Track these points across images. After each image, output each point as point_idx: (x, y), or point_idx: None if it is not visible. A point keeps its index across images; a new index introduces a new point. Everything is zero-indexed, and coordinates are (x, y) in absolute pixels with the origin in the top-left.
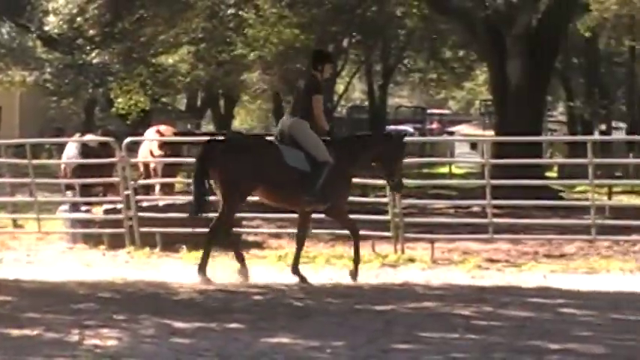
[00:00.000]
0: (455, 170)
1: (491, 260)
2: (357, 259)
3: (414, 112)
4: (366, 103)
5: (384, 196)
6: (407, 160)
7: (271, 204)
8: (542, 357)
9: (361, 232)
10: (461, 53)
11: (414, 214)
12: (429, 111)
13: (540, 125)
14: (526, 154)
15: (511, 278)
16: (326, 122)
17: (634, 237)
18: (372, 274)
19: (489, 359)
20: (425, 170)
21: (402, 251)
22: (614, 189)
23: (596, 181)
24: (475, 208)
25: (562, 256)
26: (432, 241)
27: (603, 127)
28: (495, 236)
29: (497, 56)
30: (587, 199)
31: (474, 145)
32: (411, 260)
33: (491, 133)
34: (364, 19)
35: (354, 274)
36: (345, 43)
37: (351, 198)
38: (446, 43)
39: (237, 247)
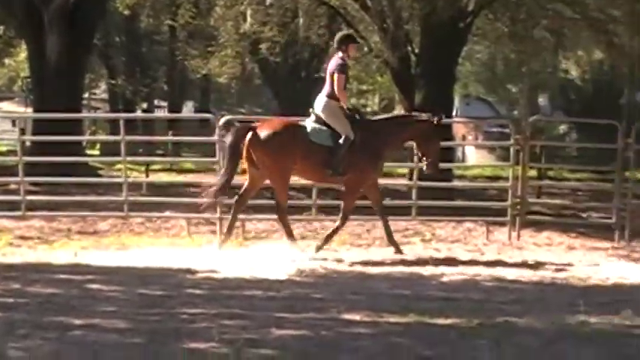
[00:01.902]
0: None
1: (24, 237)
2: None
3: None
4: None
5: None
6: None
7: (304, 178)
8: (65, 333)
9: None
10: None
11: None
12: None
13: (80, 103)
14: (65, 132)
15: (42, 255)
16: (346, 99)
17: (166, 213)
18: None
19: (13, 337)
20: None
21: None
22: (155, 166)
23: (129, 158)
24: (13, 186)
25: (95, 232)
26: None
27: (145, 105)
28: (28, 213)
29: (35, 32)
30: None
31: (15, 123)
32: None
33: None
34: None
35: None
36: None
37: None
38: None
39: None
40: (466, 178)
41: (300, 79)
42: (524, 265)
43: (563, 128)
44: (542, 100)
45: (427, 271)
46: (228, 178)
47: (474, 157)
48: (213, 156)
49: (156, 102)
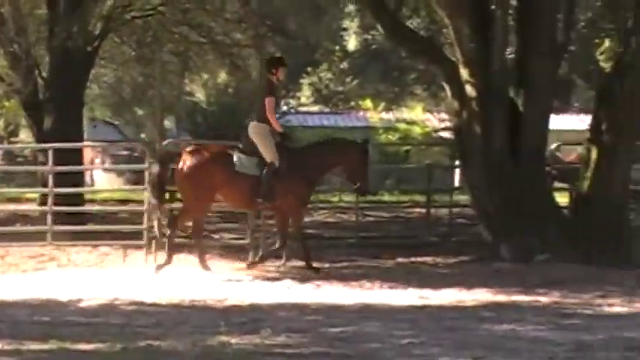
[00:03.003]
0: None
1: None
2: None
3: None
4: None
5: None
6: None
7: (234, 207)
8: None
9: None
10: None
11: None
12: None
13: None
14: None
15: None
16: (278, 123)
17: None
18: None
19: None
20: None
21: None
22: None
23: None
24: None
25: None
26: None
27: None
28: None
29: None
30: None
31: None
32: None
33: None
34: None
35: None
36: None
37: None
38: None
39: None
40: (96, 201)
41: None
42: (162, 287)
43: None
44: (168, 123)
45: (65, 296)
46: (158, 203)
47: (103, 180)
48: None
49: None
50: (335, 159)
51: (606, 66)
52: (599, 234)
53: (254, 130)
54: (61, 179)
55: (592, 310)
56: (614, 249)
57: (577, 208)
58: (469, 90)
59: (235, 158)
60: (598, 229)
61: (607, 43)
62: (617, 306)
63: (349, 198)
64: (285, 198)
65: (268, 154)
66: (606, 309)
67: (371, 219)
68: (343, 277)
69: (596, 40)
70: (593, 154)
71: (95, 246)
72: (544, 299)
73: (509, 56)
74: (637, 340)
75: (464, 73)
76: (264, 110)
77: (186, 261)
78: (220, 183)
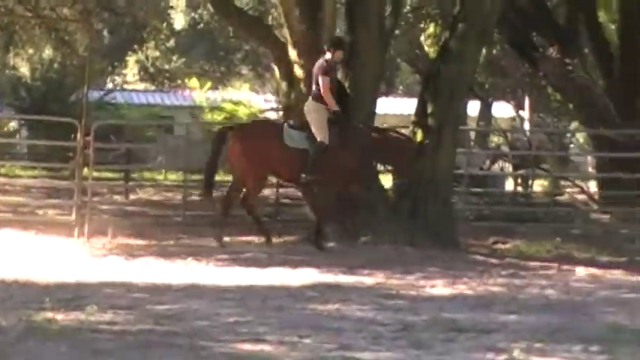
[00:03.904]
0: None
1: None
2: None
3: None
4: None
5: None
6: None
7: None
8: None
9: None
10: None
11: None
12: None
13: None
14: None
15: None
16: (333, 102)
17: None
18: None
19: None
20: None
21: None
22: None
23: None
24: None
25: None
26: None
27: None
28: None
29: None
30: None
31: None
32: None
33: None
34: None
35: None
36: None
37: None
38: None
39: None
40: None
41: None
42: None
43: (13, 125)
44: None
45: None
46: (207, 176)
47: None
48: None
49: None
50: (387, 151)
51: (431, 51)
52: (424, 217)
53: (309, 108)
54: None
55: (416, 291)
56: (439, 231)
57: (401, 188)
58: (298, 71)
59: (285, 133)
60: (422, 213)
61: (432, 28)
62: (440, 287)
63: (174, 176)
64: (330, 176)
65: (320, 133)
66: (430, 290)
67: (196, 198)
68: (170, 255)
69: (422, 25)
70: (418, 138)
71: None
72: (369, 280)
73: None
74: (459, 321)
75: (293, 53)
76: (319, 89)
77: (11, 237)
78: (273, 157)
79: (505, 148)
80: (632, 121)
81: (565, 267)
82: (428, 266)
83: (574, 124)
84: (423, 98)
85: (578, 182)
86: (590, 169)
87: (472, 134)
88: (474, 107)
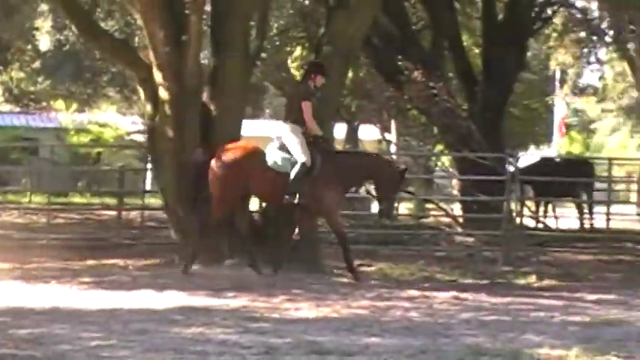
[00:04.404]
0: None
1: None
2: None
3: None
4: None
5: None
6: None
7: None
8: None
9: None
10: None
11: None
12: None
13: None
14: None
15: None
16: (315, 126)
17: None
18: None
19: None
20: None
21: None
22: None
23: None
24: None
25: None
26: None
27: None
28: None
29: None
30: None
31: None
32: None
33: None
34: None
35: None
36: None
37: None
38: None
39: None
40: None
41: None
42: None
43: None
44: None
45: None
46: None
47: None
48: None
49: None
50: (371, 173)
51: (297, 74)
52: (289, 239)
53: (287, 131)
54: None
55: (280, 314)
56: (303, 255)
57: (267, 213)
58: (163, 93)
59: (267, 155)
60: (287, 235)
61: (298, 50)
62: (304, 310)
63: (39, 199)
64: (314, 198)
65: (300, 154)
66: (294, 313)
67: (61, 221)
68: (33, 278)
69: (288, 48)
70: None
71: None
72: (233, 303)
73: (204, 60)
74: (322, 343)
75: (158, 76)
76: (301, 113)
77: None
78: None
79: None
80: (495, 144)
81: (428, 289)
82: (292, 289)
83: (439, 147)
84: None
85: (442, 205)
86: (454, 192)
87: None
88: (340, 130)
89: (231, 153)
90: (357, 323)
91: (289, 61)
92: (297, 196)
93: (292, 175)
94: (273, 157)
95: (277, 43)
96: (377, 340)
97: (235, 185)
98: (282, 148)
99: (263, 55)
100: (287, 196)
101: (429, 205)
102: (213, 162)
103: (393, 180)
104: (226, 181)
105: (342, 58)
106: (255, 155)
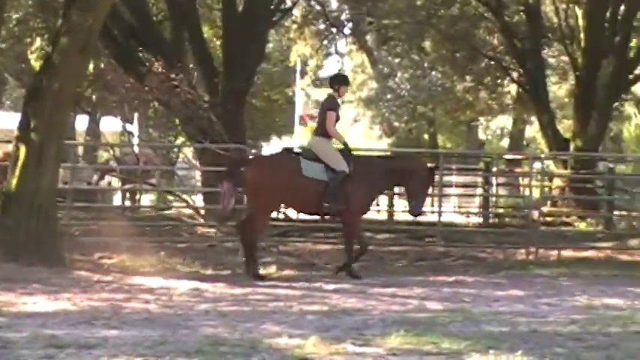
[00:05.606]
0: None
1: None
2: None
3: None
4: None
5: None
6: None
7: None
8: None
9: None
10: None
11: None
12: None
13: None
14: None
15: None
16: (340, 135)
17: None
18: None
19: None
20: None
21: None
22: None
23: None
24: None
25: None
26: None
27: None
28: None
29: None
30: None
31: None
32: None
33: None
34: None
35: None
36: None
37: None
38: None
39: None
40: None
41: None
42: None
43: None
44: None
45: None
46: (225, 205)
47: None
48: None
49: None
50: (401, 175)
51: (37, 64)
52: (27, 233)
53: (316, 145)
54: None
55: (17, 308)
56: (43, 247)
57: (5, 207)
58: None
59: (302, 164)
60: (25, 228)
61: (38, 42)
62: (42, 303)
63: None
64: (348, 204)
65: (337, 163)
66: (31, 307)
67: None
68: None
69: (28, 39)
70: (22, 153)
71: None
72: None
73: None
74: (59, 337)
75: None
76: (325, 124)
77: None
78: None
79: (113, 163)
80: (237, 135)
81: (169, 281)
82: (31, 282)
83: (181, 139)
84: (27, 113)
85: (184, 196)
86: (197, 184)
87: (80, 149)
88: (82, 122)
89: (268, 164)
90: (96, 316)
91: (29, 52)
92: (335, 203)
93: (331, 184)
94: (310, 167)
95: (17, 34)
96: (116, 333)
97: (275, 196)
98: (316, 159)
99: (2, 45)
100: (326, 204)
101: (171, 197)
102: (249, 174)
103: (424, 180)
104: (268, 193)
105: (79, 49)
106: (293, 165)
